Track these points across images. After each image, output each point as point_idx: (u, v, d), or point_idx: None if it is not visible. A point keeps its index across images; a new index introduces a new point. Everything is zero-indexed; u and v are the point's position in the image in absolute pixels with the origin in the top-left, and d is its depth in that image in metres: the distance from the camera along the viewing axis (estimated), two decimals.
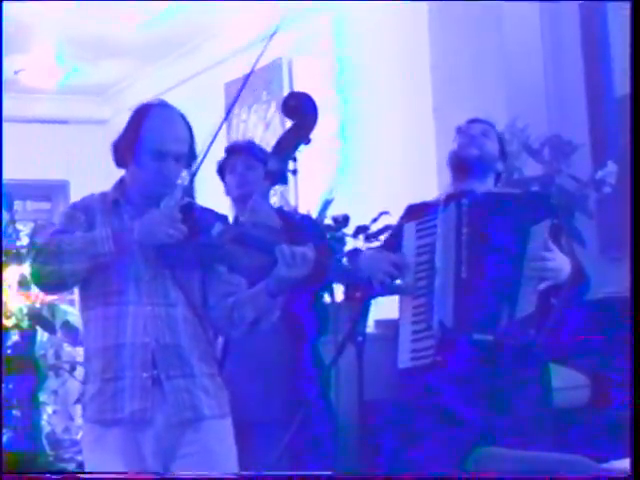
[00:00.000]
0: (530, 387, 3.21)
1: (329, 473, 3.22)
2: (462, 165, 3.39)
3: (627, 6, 4.19)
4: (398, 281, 3.31)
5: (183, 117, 3.00)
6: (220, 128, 2.95)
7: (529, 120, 4.41)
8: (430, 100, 4.88)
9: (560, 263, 3.14)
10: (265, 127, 6.79)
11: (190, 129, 2.98)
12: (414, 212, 3.46)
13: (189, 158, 2.96)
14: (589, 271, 3.31)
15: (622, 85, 4.55)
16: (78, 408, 5.44)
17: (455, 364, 3.18)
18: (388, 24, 5.72)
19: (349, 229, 4.87)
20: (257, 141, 6.61)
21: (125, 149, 2.96)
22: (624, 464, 2.43)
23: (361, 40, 5.99)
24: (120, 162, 3.01)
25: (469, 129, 3.44)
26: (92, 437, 2.97)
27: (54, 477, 3.20)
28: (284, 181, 3.17)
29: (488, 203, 3.32)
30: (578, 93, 4.73)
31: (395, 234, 3.51)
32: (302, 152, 3.12)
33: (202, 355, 2.96)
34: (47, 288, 3.21)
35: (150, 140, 2.91)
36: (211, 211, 3.02)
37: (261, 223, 3.11)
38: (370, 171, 5.77)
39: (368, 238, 4.78)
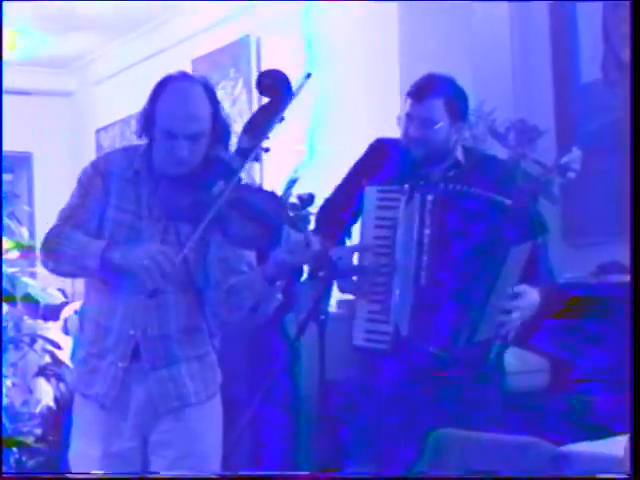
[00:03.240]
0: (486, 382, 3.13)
1: (307, 473, 3.23)
2: (416, 162, 3.23)
3: None
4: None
5: (206, 87, 2.90)
6: None
7: (495, 104, 4.42)
8: (398, 81, 4.88)
9: (530, 300, 3.02)
10: (232, 103, 6.77)
11: (213, 102, 2.88)
12: (378, 156, 3.36)
13: (211, 133, 2.86)
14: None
15: (588, 72, 4.58)
16: (37, 381, 5.41)
17: (408, 365, 3.11)
18: (358, 5, 5.71)
19: (314, 208, 4.87)
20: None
21: (144, 123, 2.90)
22: (581, 447, 2.46)
23: (330, 20, 5.97)
24: (141, 134, 2.94)
25: (408, 127, 3.21)
26: (77, 402, 3.02)
27: (54, 477, 3.24)
28: (257, 159, 3.13)
29: (458, 203, 3.07)
30: (545, 79, 4.75)
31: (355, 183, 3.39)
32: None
33: (193, 338, 2.94)
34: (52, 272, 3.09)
35: (161, 119, 2.85)
36: (225, 164, 2.88)
37: (261, 190, 3.06)
38: (336, 151, 5.76)
39: None
